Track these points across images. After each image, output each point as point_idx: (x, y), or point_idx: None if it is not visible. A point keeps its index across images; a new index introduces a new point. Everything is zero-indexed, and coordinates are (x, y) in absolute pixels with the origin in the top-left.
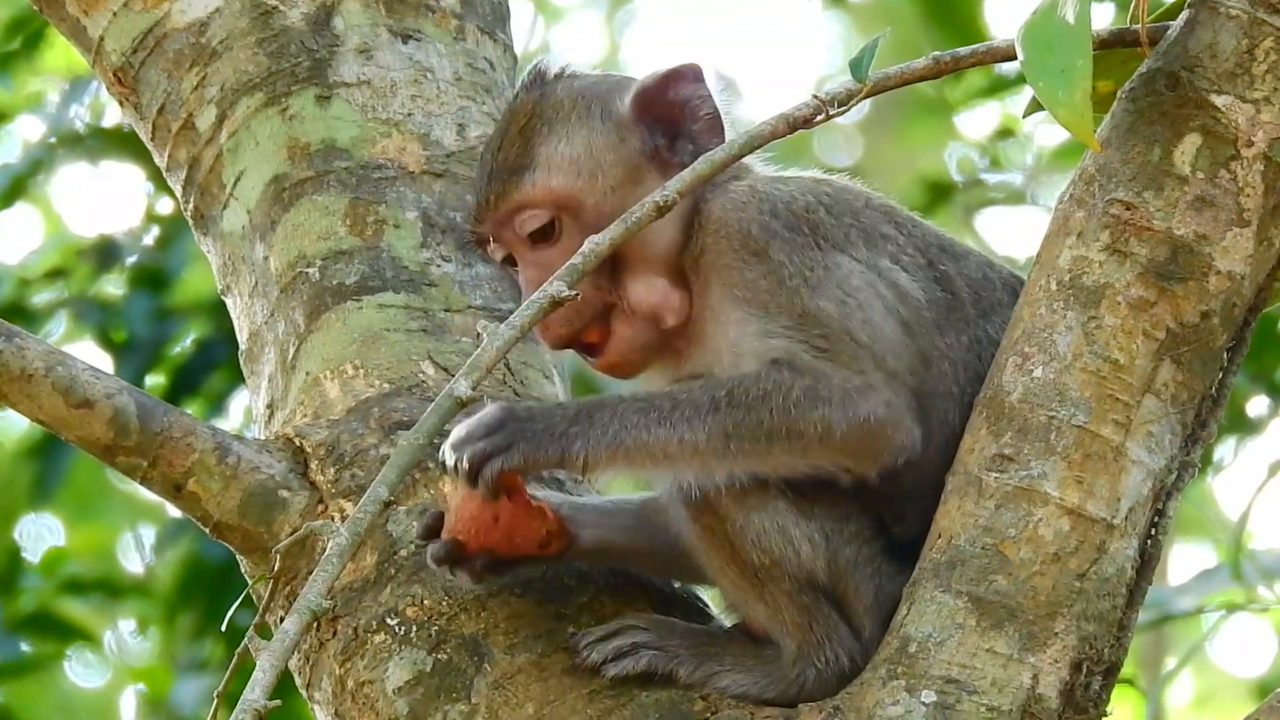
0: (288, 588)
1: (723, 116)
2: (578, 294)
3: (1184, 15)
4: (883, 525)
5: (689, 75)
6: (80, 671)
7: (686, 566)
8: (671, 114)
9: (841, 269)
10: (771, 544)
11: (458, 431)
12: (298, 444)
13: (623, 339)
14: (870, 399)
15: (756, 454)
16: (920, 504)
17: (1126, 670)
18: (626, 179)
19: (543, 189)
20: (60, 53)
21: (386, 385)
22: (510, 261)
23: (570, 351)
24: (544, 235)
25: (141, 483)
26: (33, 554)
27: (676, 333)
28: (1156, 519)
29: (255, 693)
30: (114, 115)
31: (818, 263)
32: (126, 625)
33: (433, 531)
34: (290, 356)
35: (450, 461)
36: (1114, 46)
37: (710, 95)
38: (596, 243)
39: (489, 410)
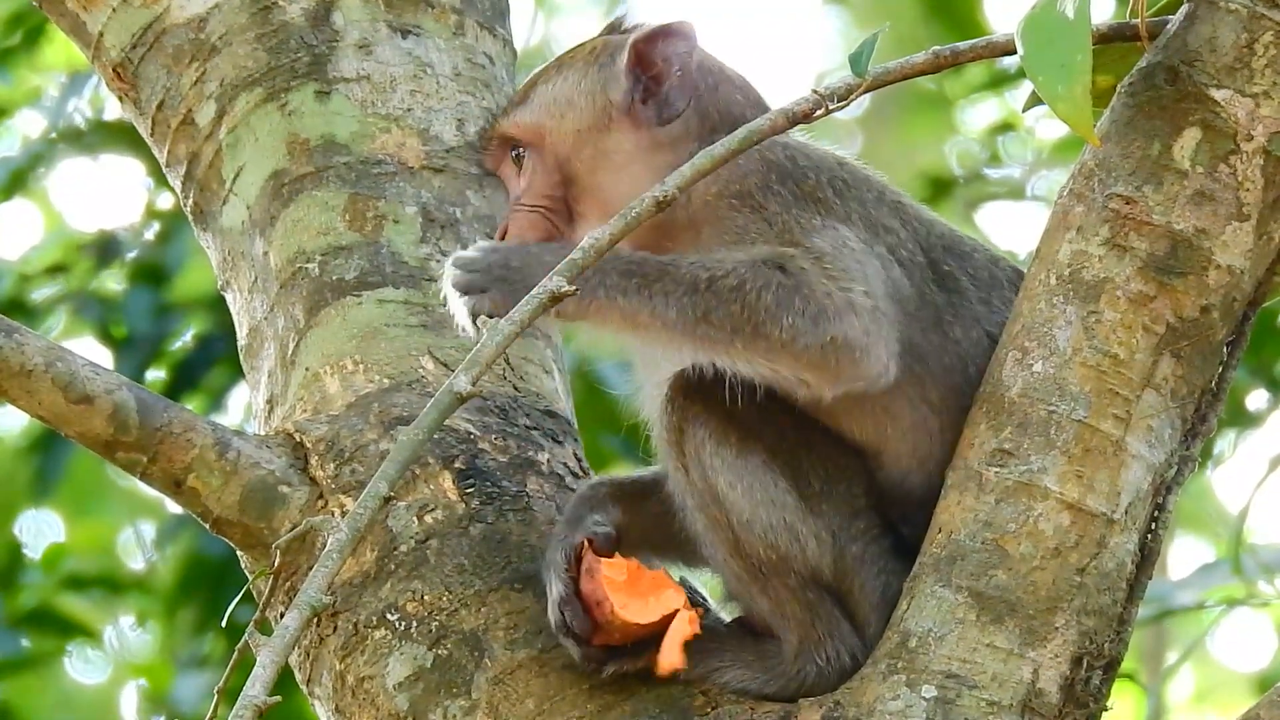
0: (288, 583)
1: (694, 74)
2: (576, 289)
3: (1183, 10)
4: (890, 522)
5: (680, 33)
6: (81, 667)
7: (687, 551)
8: (658, 70)
9: (839, 232)
10: (778, 540)
11: (453, 265)
12: (298, 439)
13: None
14: (847, 319)
15: (720, 344)
16: (931, 505)
17: (1127, 665)
18: (594, 125)
19: (512, 124)
20: (60, 48)
21: (386, 380)
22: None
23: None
24: (521, 161)
25: (141, 478)
26: (33, 550)
27: None
28: (1156, 513)
29: (256, 688)
30: (114, 110)
31: (815, 222)
32: (127, 621)
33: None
34: (290, 352)
35: (448, 297)
36: (1113, 41)
37: (693, 54)
38: (596, 238)
39: (480, 250)
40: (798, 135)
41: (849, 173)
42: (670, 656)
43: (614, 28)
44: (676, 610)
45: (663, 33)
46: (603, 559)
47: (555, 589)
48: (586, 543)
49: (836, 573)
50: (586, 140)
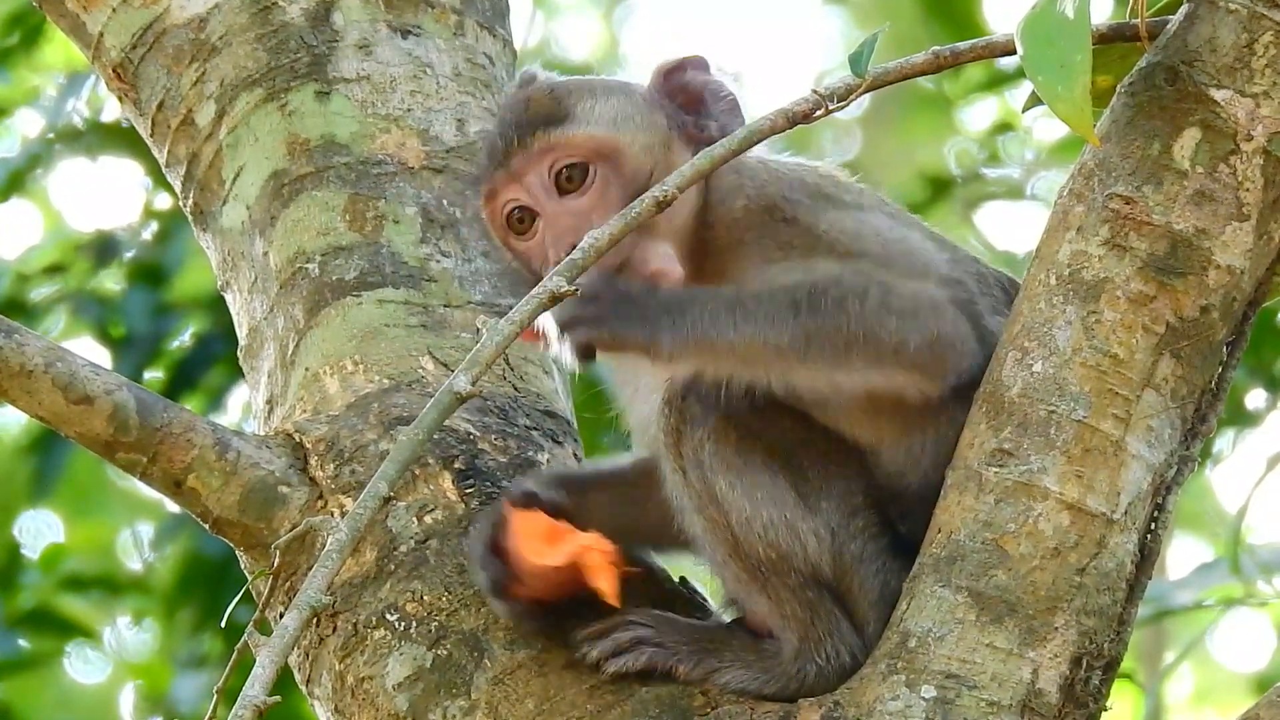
0: (287, 583)
1: (740, 102)
2: (578, 289)
3: (1183, 9)
4: (889, 520)
5: (701, 64)
6: (80, 668)
7: (671, 535)
8: (691, 96)
9: (872, 222)
10: (778, 538)
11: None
12: (297, 440)
13: None
14: (940, 314)
15: (835, 359)
16: (928, 502)
17: (1126, 665)
18: (659, 143)
19: (584, 136)
20: (59, 47)
21: (386, 381)
22: (515, 229)
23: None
24: (574, 182)
25: (141, 479)
26: (32, 550)
27: None
28: (1156, 513)
29: (255, 689)
30: (113, 110)
31: (847, 219)
32: (126, 621)
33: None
34: (290, 352)
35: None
36: (1113, 41)
37: (724, 82)
38: (596, 237)
39: (592, 278)
40: (762, 151)
41: (833, 173)
42: (601, 583)
43: (533, 76)
44: (584, 547)
45: (688, 63)
46: (516, 512)
47: (474, 551)
48: (506, 505)
49: (835, 571)
50: (657, 153)
